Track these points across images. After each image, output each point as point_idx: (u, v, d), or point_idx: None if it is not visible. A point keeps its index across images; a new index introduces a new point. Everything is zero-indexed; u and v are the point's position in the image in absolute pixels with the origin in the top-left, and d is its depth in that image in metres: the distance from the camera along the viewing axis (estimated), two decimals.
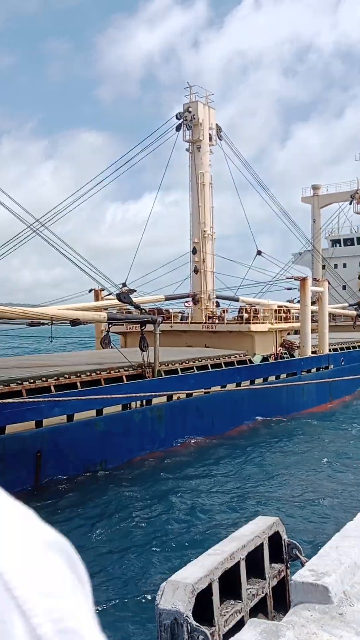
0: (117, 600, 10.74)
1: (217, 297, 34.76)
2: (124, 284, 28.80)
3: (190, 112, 33.88)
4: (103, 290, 27.98)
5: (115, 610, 10.38)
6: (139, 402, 21.48)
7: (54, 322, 21.26)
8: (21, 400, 17.04)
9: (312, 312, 33.09)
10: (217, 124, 35.29)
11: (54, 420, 18.10)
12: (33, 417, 17.49)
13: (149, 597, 10.40)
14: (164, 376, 22.72)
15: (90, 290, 29.91)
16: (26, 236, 23.71)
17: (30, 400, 17.22)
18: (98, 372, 20.56)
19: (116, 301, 24.68)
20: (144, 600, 10.63)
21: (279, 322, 33.03)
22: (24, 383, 17.89)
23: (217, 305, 34.79)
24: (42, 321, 22.05)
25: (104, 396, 18.70)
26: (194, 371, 24.66)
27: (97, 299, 29.99)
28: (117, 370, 21.38)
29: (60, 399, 17.77)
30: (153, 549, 13.13)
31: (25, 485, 17.12)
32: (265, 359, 30.41)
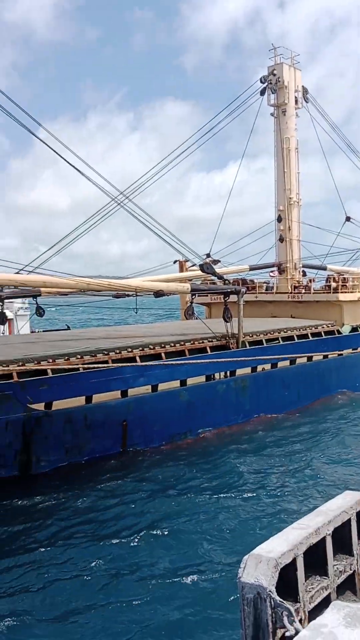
0: (198, 570, 10.77)
1: (303, 266, 33.74)
2: (208, 255, 28.55)
3: (275, 74, 32.63)
4: (187, 261, 27.89)
5: (196, 580, 10.40)
6: (222, 373, 21.39)
7: (138, 293, 21.47)
8: (107, 366, 17.38)
9: None
10: (303, 86, 33.84)
11: (139, 390, 18.38)
12: (118, 386, 17.83)
13: (231, 569, 10.38)
14: (248, 347, 22.44)
15: (174, 262, 29.90)
16: (110, 209, 23.95)
17: (116, 366, 17.52)
18: (182, 342, 20.60)
19: (200, 272, 24.49)
20: (225, 571, 10.59)
21: None
22: (110, 353, 18.22)
23: (304, 274, 33.81)
24: (127, 293, 22.34)
25: (190, 361, 18.78)
26: (279, 342, 24.17)
27: (181, 270, 29.93)
28: (201, 341, 21.32)
29: (145, 363, 18.03)
30: (234, 520, 13.07)
31: (113, 454, 17.56)
32: (354, 329, 29.30)
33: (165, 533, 12.46)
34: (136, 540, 12.18)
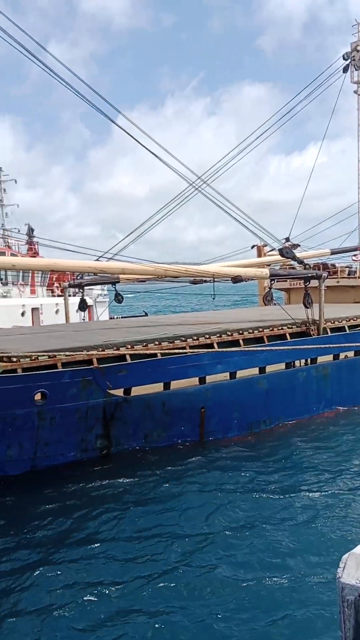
0: (281, 569, 10.32)
1: None
2: (287, 239, 27.82)
3: (358, 50, 31.28)
4: (266, 246, 27.30)
5: (293, 580, 9.96)
6: (302, 361, 20.80)
7: (215, 279, 21.21)
8: (184, 352, 17.27)
9: None
10: None
11: (217, 377, 18.16)
12: (196, 373, 17.68)
13: (328, 568, 9.94)
14: (330, 334, 21.69)
15: (252, 247, 29.41)
16: (188, 194, 23.74)
17: (194, 352, 17.37)
18: (261, 329, 20.16)
19: (279, 257, 23.88)
20: (322, 570, 10.14)
21: None
22: (188, 340, 18.10)
23: None
24: (204, 279, 22.13)
25: (269, 348, 18.39)
26: None
27: (259, 255, 29.45)
28: (280, 328, 20.79)
29: (223, 350, 17.80)
30: (327, 517, 12.49)
31: (191, 441, 17.50)
32: None
33: (243, 530, 11.93)
34: (212, 535, 11.75)
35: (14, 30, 16.21)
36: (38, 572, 10.51)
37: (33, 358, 15.04)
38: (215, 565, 10.57)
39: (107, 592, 9.83)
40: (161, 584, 10.03)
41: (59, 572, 10.49)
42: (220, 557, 10.85)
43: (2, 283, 37.35)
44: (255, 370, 19.18)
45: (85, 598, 9.64)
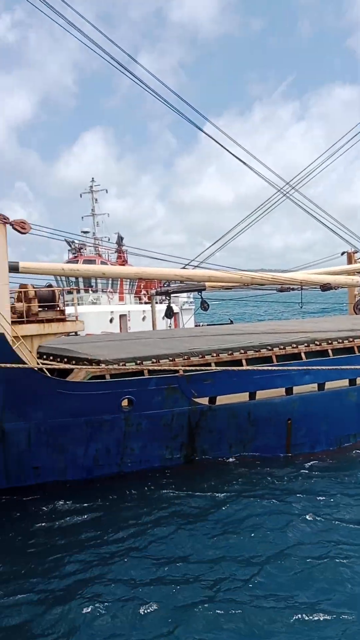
0: None
1: None
2: None
3: None
4: (357, 252, 26.43)
5: None
6: None
7: (303, 287, 20.77)
8: (271, 367, 16.98)
9: None
10: None
11: (304, 389, 17.69)
12: (283, 384, 17.31)
13: None
14: None
15: (342, 253, 28.53)
16: (276, 200, 23.40)
17: (279, 368, 17.03)
18: (351, 339, 19.45)
19: None
20: None
21: None
22: (274, 349, 17.78)
23: None
24: (291, 286, 21.71)
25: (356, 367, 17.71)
26: None
27: (350, 261, 28.51)
28: None
29: (312, 367, 17.29)
30: None
31: (277, 453, 17.13)
32: None
33: (326, 558, 11.22)
34: (292, 562, 11.10)
35: (107, 44, 16.75)
36: (111, 574, 10.80)
37: (121, 364, 15.33)
38: (298, 595, 10.02)
39: (179, 608, 9.69)
40: (238, 610, 9.58)
41: (124, 580, 10.63)
42: (307, 588, 10.28)
43: (92, 290, 38.50)
44: (345, 382, 18.53)
45: (145, 608, 9.65)
